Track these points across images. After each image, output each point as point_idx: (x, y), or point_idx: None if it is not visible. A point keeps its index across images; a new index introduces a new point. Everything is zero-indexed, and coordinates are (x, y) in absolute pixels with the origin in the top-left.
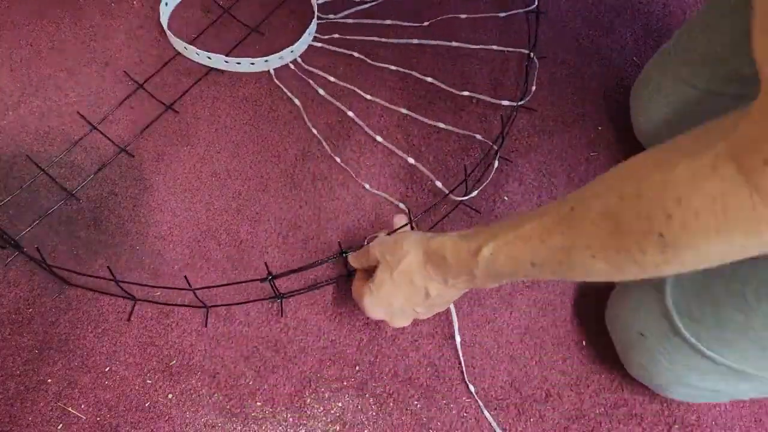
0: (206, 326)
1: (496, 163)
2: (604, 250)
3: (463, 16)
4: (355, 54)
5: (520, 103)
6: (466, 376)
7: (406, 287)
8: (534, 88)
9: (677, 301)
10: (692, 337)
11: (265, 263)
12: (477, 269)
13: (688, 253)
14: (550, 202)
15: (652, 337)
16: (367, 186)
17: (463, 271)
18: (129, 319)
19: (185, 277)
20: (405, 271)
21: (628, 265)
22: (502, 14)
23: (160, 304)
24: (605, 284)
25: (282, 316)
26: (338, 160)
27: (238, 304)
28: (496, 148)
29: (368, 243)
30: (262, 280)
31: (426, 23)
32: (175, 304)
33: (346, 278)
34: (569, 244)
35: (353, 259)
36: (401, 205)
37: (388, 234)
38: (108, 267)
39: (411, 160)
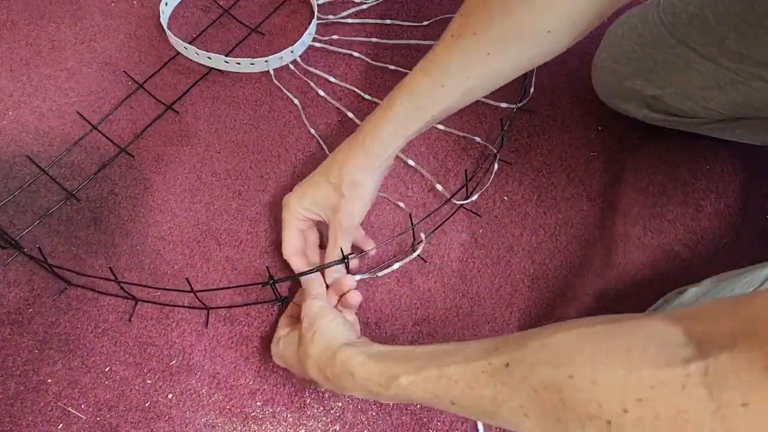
0: (207, 327)
1: (496, 166)
2: (539, 414)
3: None
4: (355, 54)
5: (519, 106)
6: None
7: (305, 372)
8: (533, 89)
9: None
10: None
11: (267, 267)
12: (386, 393)
13: None
14: (473, 340)
15: None
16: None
17: (368, 392)
18: (130, 320)
19: (187, 279)
20: (307, 361)
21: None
22: None
23: (162, 305)
24: (606, 285)
25: None
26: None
27: (239, 306)
28: (495, 151)
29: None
30: (264, 284)
31: (426, 23)
32: (176, 305)
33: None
34: (501, 399)
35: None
36: (401, 205)
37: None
38: (110, 268)
39: (411, 163)
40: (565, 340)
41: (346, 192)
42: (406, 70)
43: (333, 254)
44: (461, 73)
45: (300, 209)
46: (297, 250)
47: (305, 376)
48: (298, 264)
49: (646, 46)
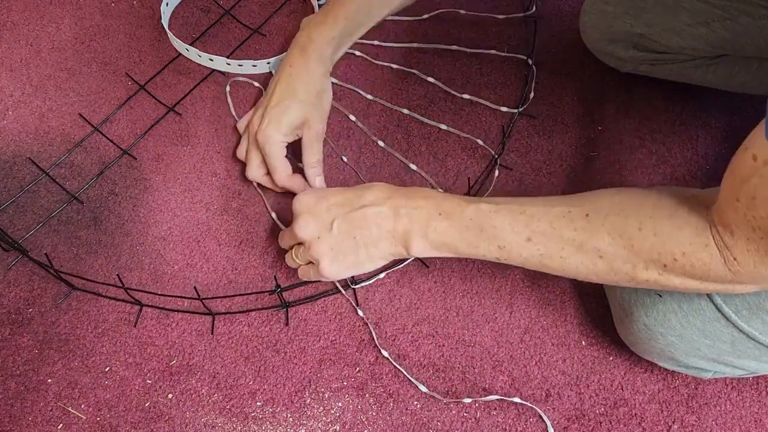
0: (212, 334)
1: (497, 173)
2: (611, 256)
3: (462, 11)
4: (356, 53)
5: (519, 110)
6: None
7: (354, 191)
8: (533, 95)
9: None
10: (722, 301)
11: (275, 276)
12: (462, 213)
13: (677, 283)
14: (541, 197)
15: (671, 299)
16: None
17: (444, 209)
18: (135, 325)
19: (195, 288)
20: (366, 184)
21: (625, 272)
22: (501, 16)
23: (166, 310)
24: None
25: (287, 325)
26: (345, 159)
27: (243, 312)
28: (496, 156)
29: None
30: (271, 292)
31: (425, 16)
32: (181, 311)
33: (349, 286)
34: (580, 241)
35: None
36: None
37: None
38: (117, 276)
39: (413, 167)
40: (630, 197)
41: (316, 103)
42: (408, 69)
43: (312, 157)
44: None
45: (282, 137)
46: (290, 172)
47: (346, 204)
48: (300, 183)
49: None
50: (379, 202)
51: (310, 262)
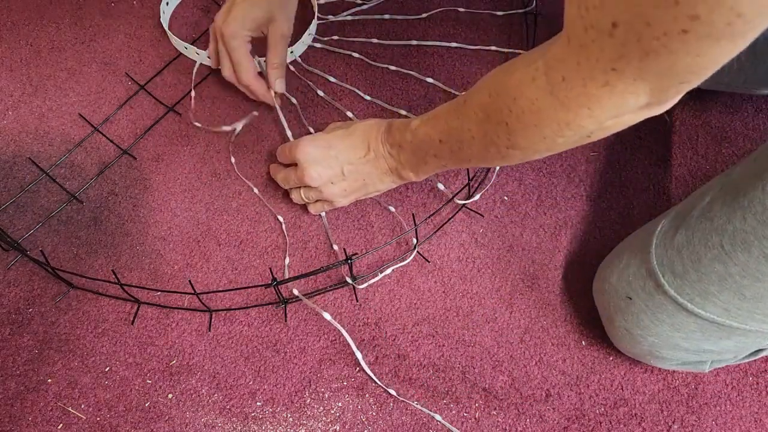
0: (210, 331)
1: (497, 170)
2: (478, 132)
3: (462, 9)
4: (355, 54)
5: None
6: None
7: (354, 138)
8: None
9: (661, 260)
10: (676, 293)
11: (270, 269)
12: (406, 139)
13: (522, 139)
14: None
15: (638, 299)
16: None
17: (398, 141)
18: (132, 323)
19: (189, 281)
20: (358, 126)
21: (491, 146)
22: (500, 13)
23: (164, 307)
24: None
25: (286, 321)
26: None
27: (241, 308)
28: None
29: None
30: (267, 285)
31: (424, 15)
32: (179, 308)
33: (349, 283)
34: (459, 126)
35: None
36: (391, 209)
37: None
38: (113, 271)
39: None
40: (493, 71)
41: (282, 2)
42: (407, 71)
43: (275, 58)
44: None
45: (245, 31)
46: (255, 72)
47: (348, 152)
48: (260, 85)
49: None
50: (374, 147)
51: (320, 199)
